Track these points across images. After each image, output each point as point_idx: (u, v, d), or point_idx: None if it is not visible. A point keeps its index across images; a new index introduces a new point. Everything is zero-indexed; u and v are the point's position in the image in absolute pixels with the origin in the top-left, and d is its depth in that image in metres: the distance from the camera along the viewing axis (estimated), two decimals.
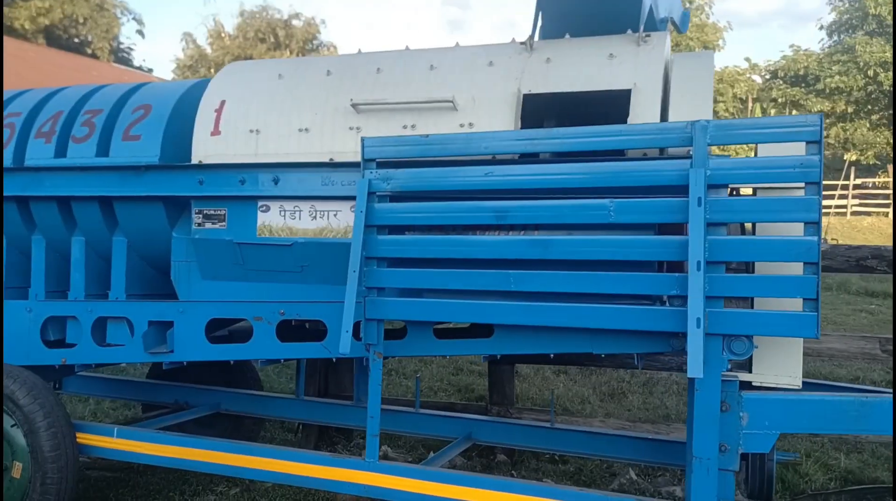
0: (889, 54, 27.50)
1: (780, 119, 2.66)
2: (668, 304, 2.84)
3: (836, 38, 31.83)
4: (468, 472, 3.51)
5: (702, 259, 2.60)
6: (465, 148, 3.05)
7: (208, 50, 33.48)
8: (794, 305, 2.66)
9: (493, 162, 3.11)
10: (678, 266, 3.18)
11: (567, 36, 3.48)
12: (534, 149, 2.93)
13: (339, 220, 3.45)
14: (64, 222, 4.08)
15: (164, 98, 3.92)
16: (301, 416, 4.82)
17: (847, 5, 30.66)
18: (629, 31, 3.31)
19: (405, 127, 3.35)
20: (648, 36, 3.22)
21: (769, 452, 3.17)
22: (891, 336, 4.69)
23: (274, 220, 3.56)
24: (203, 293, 3.79)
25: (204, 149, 3.68)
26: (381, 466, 3.26)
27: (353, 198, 3.38)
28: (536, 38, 3.44)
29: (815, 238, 2.59)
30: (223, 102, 3.71)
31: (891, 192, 26.11)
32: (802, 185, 2.61)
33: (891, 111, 28.31)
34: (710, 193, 2.64)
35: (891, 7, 27.50)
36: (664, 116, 3.04)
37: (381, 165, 3.21)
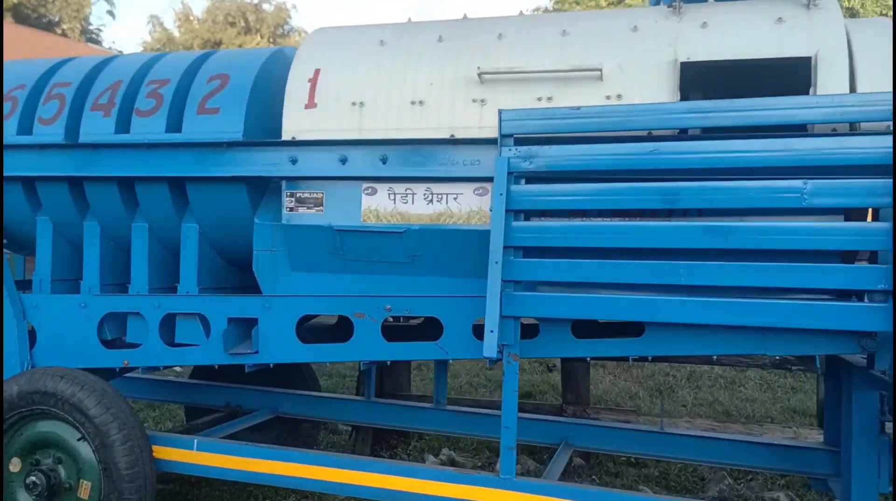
0: None
1: None
2: (866, 299, 2.50)
3: None
4: (613, 489, 3.15)
5: None
6: (625, 122, 2.67)
7: (176, 33, 32.48)
8: None
9: (648, 138, 2.74)
10: (850, 257, 2.85)
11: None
12: (709, 123, 2.57)
13: (460, 204, 3.05)
14: (124, 205, 3.62)
15: (243, 67, 3.47)
16: (373, 419, 4.42)
17: None
18: None
19: (539, 99, 2.96)
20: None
21: None
22: None
23: (381, 204, 3.15)
24: (292, 287, 3.36)
25: (297, 123, 3.25)
26: (520, 483, 2.89)
27: (476, 179, 3.02)
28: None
29: None
30: (318, 72, 3.28)
31: None
32: None
33: None
34: None
35: None
36: (851, 86, 2.69)
37: (519, 141, 2.82)
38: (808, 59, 2.70)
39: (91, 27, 35.11)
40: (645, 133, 2.75)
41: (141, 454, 3.15)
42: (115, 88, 3.60)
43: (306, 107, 3.25)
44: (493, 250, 2.72)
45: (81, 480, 3.20)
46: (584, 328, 2.99)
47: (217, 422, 4.35)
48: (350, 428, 5.12)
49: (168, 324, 3.54)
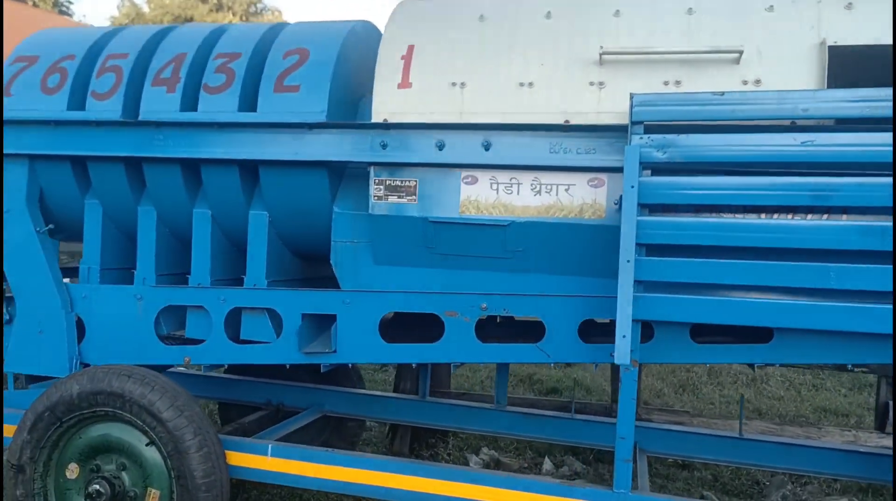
0: None
1: None
2: None
3: None
4: None
5: None
6: (776, 110, 2.45)
7: (145, 9, 31.68)
8: None
9: (790, 128, 2.52)
10: None
11: None
12: (877, 113, 2.35)
13: (572, 196, 2.81)
14: (187, 189, 3.33)
15: (324, 41, 3.18)
16: (430, 420, 4.18)
17: None
18: None
19: (666, 83, 2.72)
20: None
21: None
22: None
23: (483, 194, 2.90)
24: (374, 281, 3.11)
25: (389, 104, 2.98)
26: (636, 498, 2.68)
27: (591, 170, 2.77)
28: None
29: None
30: (412, 48, 3.01)
31: None
32: None
33: None
34: None
35: None
36: None
37: (648, 129, 2.59)
38: None
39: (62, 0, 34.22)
40: (788, 123, 2.53)
41: (217, 461, 2.88)
42: (179, 61, 3.30)
43: (399, 86, 2.98)
44: (624, 247, 2.49)
45: (149, 488, 2.93)
46: (699, 332, 2.78)
47: (264, 422, 4.08)
48: (386, 426, 4.88)
49: (233, 319, 3.27)
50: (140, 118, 3.26)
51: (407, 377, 4.64)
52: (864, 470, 3.60)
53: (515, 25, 2.96)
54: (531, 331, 3.09)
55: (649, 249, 2.56)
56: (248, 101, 3.18)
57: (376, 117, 2.99)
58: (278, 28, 3.38)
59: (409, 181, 2.98)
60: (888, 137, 2.34)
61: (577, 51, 2.83)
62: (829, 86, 2.58)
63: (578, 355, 2.87)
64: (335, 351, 3.11)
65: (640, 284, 2.56)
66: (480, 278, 2.99)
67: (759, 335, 2.68)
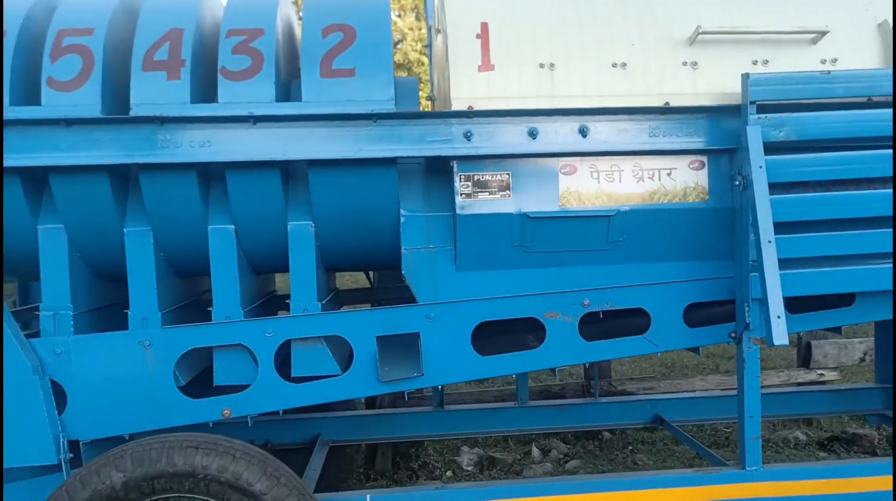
0: None
1: None
2: None
3: None
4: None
5: None
6: (876, 88, 2.60)
7: None
8: None
9: (867, 105, 2.70)
10: None
11: None
12: None
13: (675, 180, 2.73)
14: (202, 201, 2.65)
15: (369, 15, 2.70)
16: (444, 430, 3.87)
17: None
18: None
19: (755, 62, 2.75)
20: None
21: None
22: None
23: (584, 184, 2.70)
24: (458, 290, 2.75)
25: (471, 89, 2.63)
26: (768, 473, 2.73)
27: (691, 152, 2.74)
28: None
29: None
30: (485, 26, 2.68)
31: None
32: None
33: None
34: None
35: None
36: None
37: (761, 109, 2.60)
38: None
39: None
40: (864, 100, 2.69)
41: None
42: (176, 39, 2.59)
43: (480, 69, 2.65)
44: (763, 228, 2.48)
45: None
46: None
47: None
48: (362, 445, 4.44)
49: (281, 353, 2.70)
50: (133, 113, 2.51)
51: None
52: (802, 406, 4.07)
53: (590, 1, 2.78)
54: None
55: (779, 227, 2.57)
56: (284, 88, 2.61)
57: (456, 104, 2.63)
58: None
59: (502, 175, 2.67)
60: None
61: (667, 30, 2.74)
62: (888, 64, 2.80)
63: (686, 340, 2.83)
64: (422, 375, 2.70)
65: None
66: (576, 273, 2.79)
67: (844, 300, 2.86)
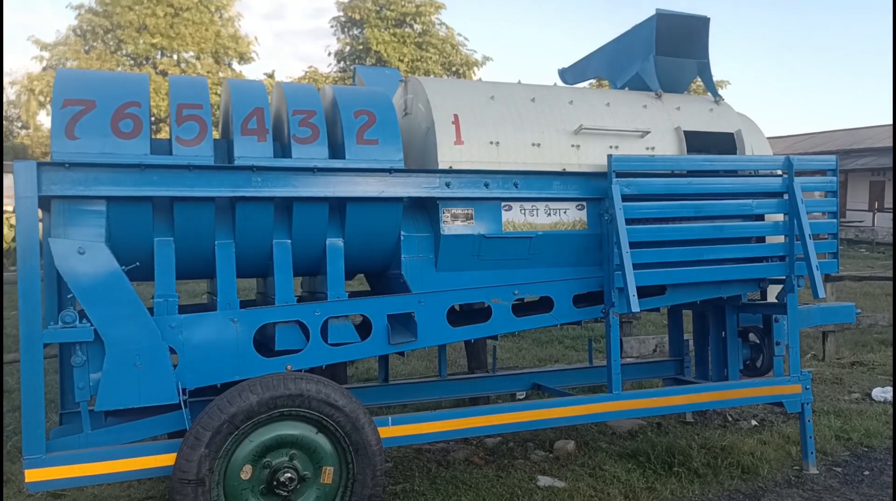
0: None
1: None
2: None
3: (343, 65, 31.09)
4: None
5: (809, 233, 4.68)
6: (675, 164, 4.52)
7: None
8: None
9: (670, 176, 4.62)
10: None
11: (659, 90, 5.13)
12: (714, 166, 4.59)
13: (568, 216, 4.45)
14: (275, 224, 3.91)
15: (382, 105, 4.16)
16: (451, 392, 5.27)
17: (350, 39, 30.60)
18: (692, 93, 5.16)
19: (612, 147, 4.57)
20: (719, 99, 5.15)
21: None
22: None
23: (516, 217, 4.32)
24: (438, 284, 4.23)
25: (450, 156, 4.18)
26: (626, 395, 4.45)
27: (577, 199, 4.48)
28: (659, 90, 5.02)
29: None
30: (457, 116, 4.25)
31: None
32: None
33: None
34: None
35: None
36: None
37: (619, 176, 4.41)
38: (731, 134, 4.93)
39: None
40: (668, 172, 4.61)
41: (377, 431, 3.69)
42: (260, 115, 3.87)
43: (455, 143, 4.21)
44: (622, 245, 4.24)
45: (324, 467, 3.55)
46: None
47: None
48: None
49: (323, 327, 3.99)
50: (237, 163, 3.75)
51: (473, 357, 6.05)
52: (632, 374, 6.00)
53: (512, 105, 4.46)
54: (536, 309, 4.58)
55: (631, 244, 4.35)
56: (333, 150, 3.98)
57: (442, 165, 4.16)
58: (324, 91, 4.20)
59: (468, 210, 4.22)
60: (722, 182, 4.60)
61: (561, 125, 4.49)
62: (688, 152, 4.76)
63: (575, 316, 4.50)
64: (416, 340, 4.12)
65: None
66: (511, 274, 4.39)
67: (658, 290, 4.72)
